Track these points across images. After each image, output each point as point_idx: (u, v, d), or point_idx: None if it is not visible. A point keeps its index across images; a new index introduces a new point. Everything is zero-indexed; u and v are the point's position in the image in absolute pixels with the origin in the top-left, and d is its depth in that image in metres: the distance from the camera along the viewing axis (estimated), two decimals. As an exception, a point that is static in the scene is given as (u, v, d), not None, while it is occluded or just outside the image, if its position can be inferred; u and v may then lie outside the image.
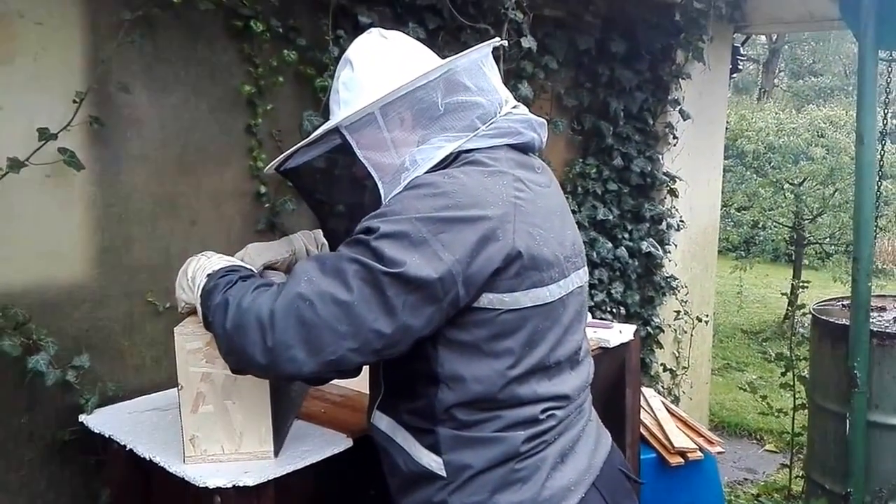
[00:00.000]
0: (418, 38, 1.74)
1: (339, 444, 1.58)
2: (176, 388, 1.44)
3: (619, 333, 2.31)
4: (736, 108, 10.47)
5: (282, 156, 1.38)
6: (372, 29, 1.37)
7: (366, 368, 1.33)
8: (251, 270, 1.35)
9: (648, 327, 3.68)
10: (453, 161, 1.24)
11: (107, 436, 1.66)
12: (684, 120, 3.62)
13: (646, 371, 3.69)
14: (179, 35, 1.97)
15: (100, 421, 1.72)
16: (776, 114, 9.42)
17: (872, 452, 2.79)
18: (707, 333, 4.36)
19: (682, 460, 2.73)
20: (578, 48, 3.16)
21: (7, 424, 1.74)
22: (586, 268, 1.42)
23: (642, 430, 2.70)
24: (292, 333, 1.13)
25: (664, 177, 3.63)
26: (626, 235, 3.51)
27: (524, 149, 1.33)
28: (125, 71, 1.86)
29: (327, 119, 1.36)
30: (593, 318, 2.67)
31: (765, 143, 8.28)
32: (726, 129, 4.60)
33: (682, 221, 3.79)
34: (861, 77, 2.68)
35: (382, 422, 1.33)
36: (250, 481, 1.39)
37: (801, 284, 4.62)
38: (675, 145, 3.70)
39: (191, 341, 1.40)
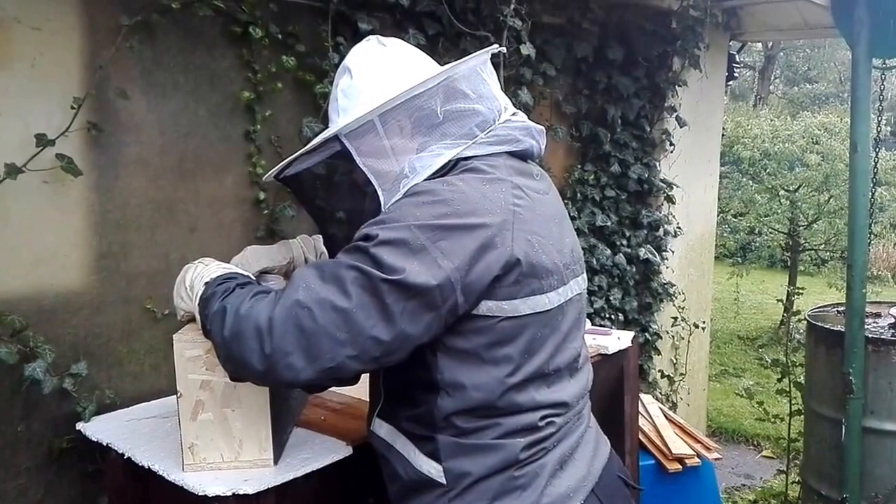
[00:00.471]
0: (418, 45, 1.75)
1: (338, 451, 1.57)
2: (175, 396, 1.43)
3: (618, 340, 2.31)
4: (732, 114, 10.50)
5: (282, 163, 1.38)
6: (370, 36, 1.37)
7: (365, 376, 1.33)
8: (249, 277, 1.34)
9: (646, 334, 3.68)
10: (452, 168, 1.24)
11: (105, 444, 1.65)
12: (681, 127, 3.64)
13: (644, 377, 3.68)
14: (178, 41, 1.96)
15: (97, 429, 1.71)
16: (771, 120, 9.46)
17: (868, 458, 2.80)
18: (704, 340, 4.36)
19: (680, 467, 2.73)
20: (576, 55, 3.18)
21: (4, 432, 1.73)
22: (585, 275, 1.42)
23: (641, 437, 2.70)
24: (290, 340, 1.13)
25: (661, 183, 3.63)
26: (625, 242, 3.52)
27: (523, 156, 1.33)
28: (123, 76, 1.86)
29: (327, 126, 1.37)
30: (592, 324, 2.68)
31: (760, 149, 8.30)
32: (723, 135, 4.60)
33: (679, 228, 3.79)
34: (855, 85, 2.69)
35: (382, 429, 1.33)
36: (250, 489, 1.39)
37: (796, 291, 4.63)
38: (671, 152, 3.70)
39: (190, 349, 1.40)
